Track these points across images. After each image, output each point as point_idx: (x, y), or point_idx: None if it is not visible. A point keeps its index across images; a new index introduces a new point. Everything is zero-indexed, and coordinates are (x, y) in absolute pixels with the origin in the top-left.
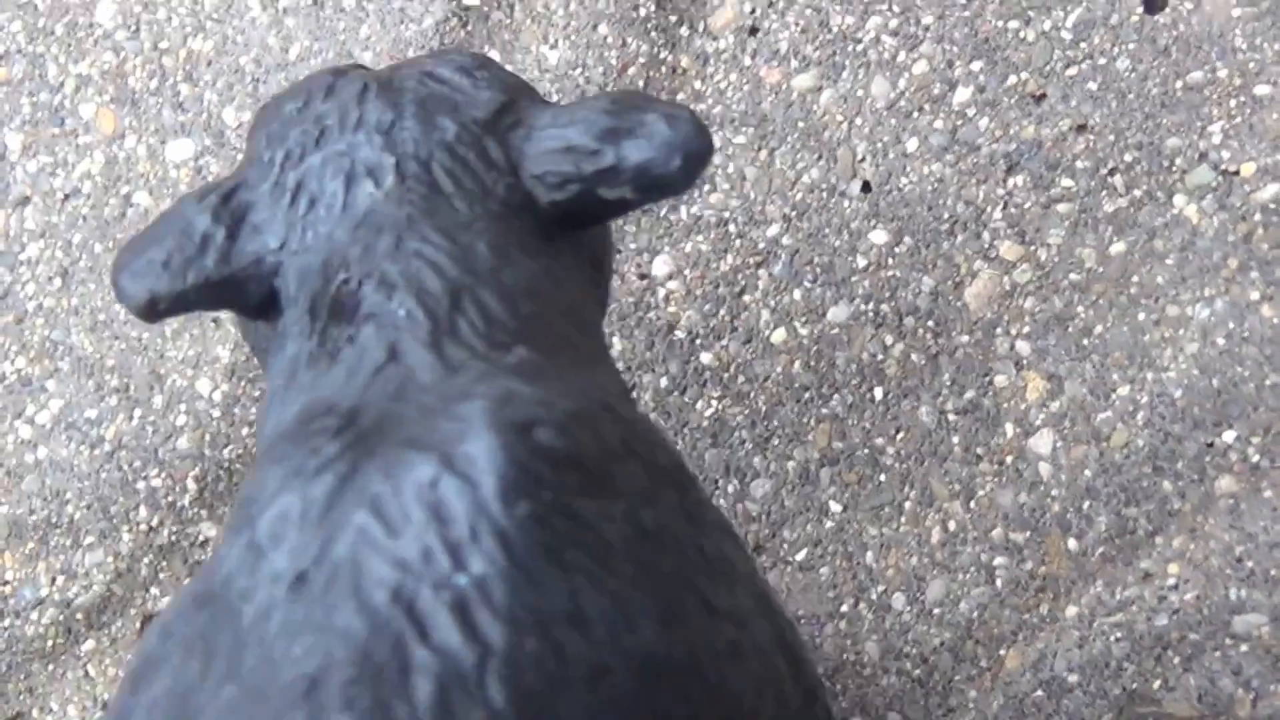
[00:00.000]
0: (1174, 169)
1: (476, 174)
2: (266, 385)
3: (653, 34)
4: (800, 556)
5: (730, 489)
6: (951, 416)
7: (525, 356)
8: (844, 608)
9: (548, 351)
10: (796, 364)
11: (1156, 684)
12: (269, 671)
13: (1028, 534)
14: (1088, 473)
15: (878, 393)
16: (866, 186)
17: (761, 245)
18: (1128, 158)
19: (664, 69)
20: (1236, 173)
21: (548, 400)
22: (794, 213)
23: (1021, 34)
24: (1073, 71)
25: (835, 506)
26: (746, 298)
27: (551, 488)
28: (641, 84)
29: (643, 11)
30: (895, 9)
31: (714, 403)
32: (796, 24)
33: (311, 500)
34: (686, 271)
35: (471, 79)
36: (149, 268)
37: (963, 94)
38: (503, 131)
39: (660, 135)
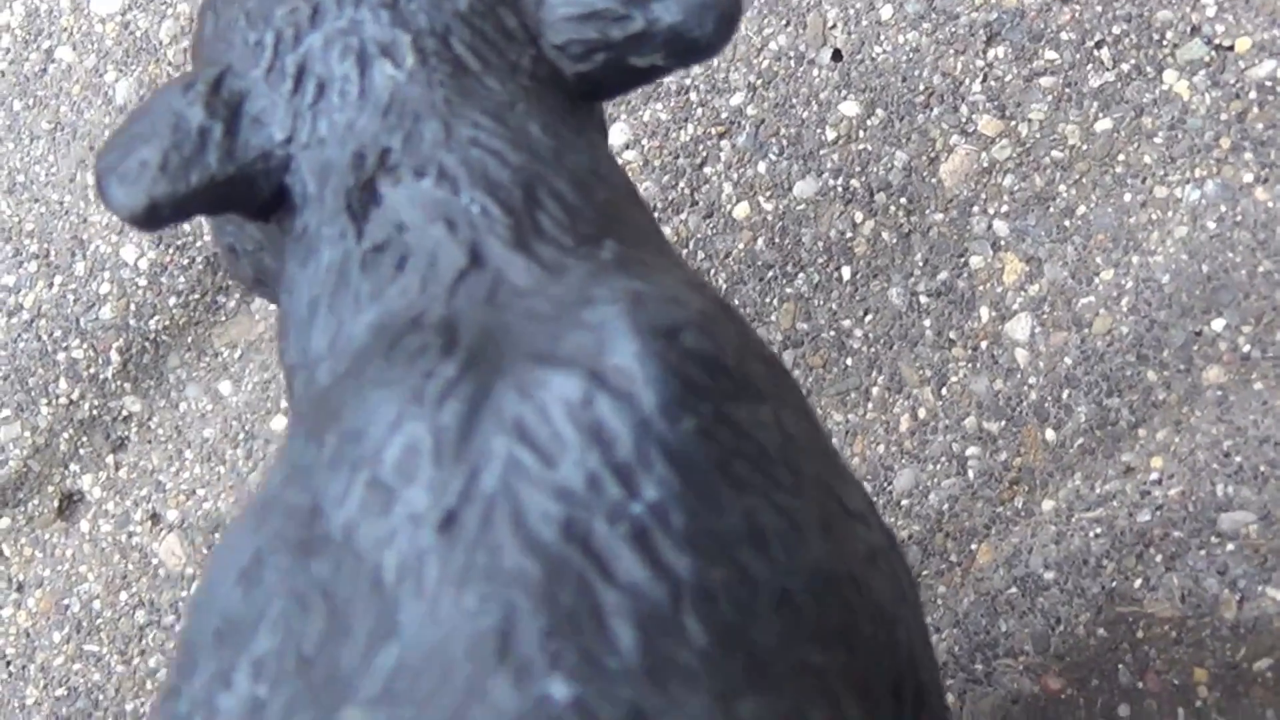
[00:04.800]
0: (1164, 43)
1: (499, 48)
2: (288, 292)
3: None
4: None
5: None
6: (923, 299)
7: (619, 250)
8: None
9: (633, 241)
10: (760, 240)
11: (1137, 583)
12: (439, 629)
13: (1002, 423)
14: (1067, 360)
15: (845, 272)
16: (837, 55)
17: (724, 115)
18: (1115, 30)
19: None
20: (1231, 48)
21: (679, 298)
22: (759, 81)
23: None
24: None
25: None
26: (708, 170)
27: (709, 397)
28: None
29: None
30: None
31: None
32: None
33: (443, 429)
34: (644, 141)
35: None
36: (143, 171)
37: None
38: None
39: None
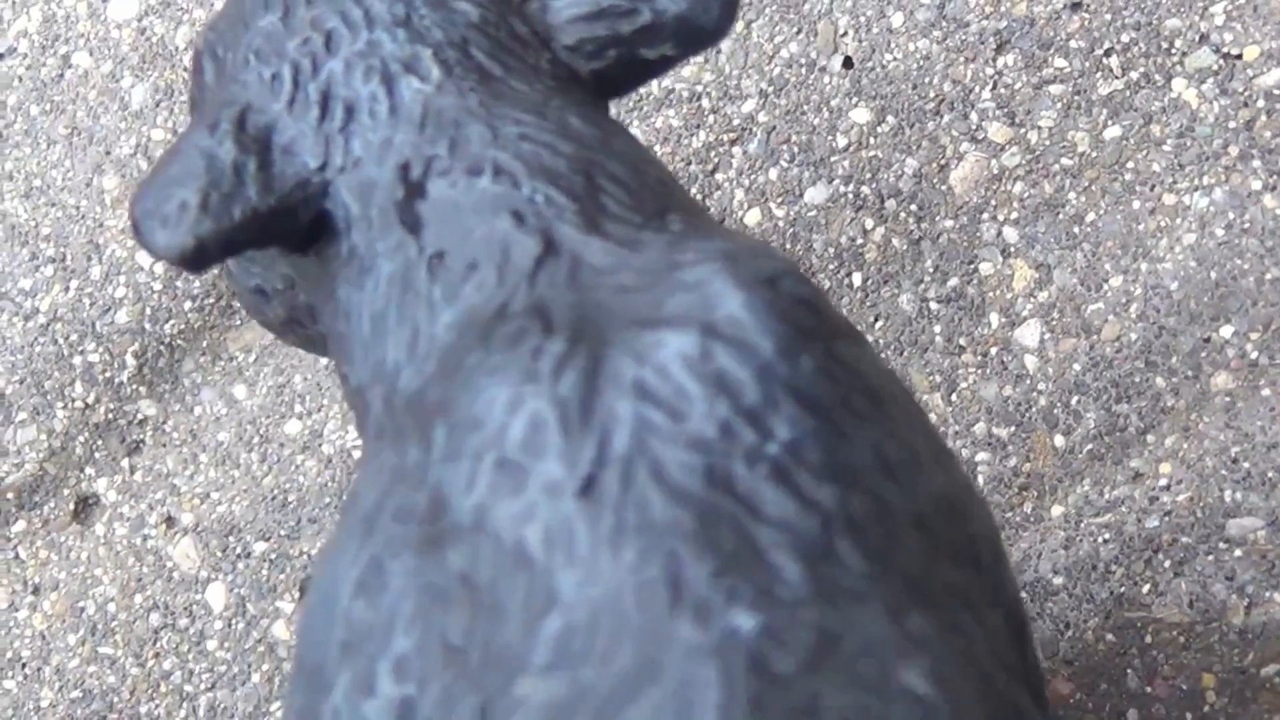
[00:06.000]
0: (1173, 50)
1: (517, 54)
2: (344, 316)
3: None
4: None
5: None
6: (934, 305)
7: (686, 220)
8: None
9: (692, 214)
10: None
11: (1146, 588)
12: (603, 588)
13: (1012, 429)
14: (1077, 366)
15: (856, 278)
16: (848, 62)
17: (736, 122)
18: (1124, 38)
19: None
20: (1239, 56)
21: (767, 252)
22: (771, 88)
23: None
24: None
25: None
26: (719, 176)
27: (819, 337)
28: None
29: None
30: None
31: None
32: None
33: (564, 401)
34: (656, 147)
35: None
36: (183, 212)
37: None
38: (518, 6)
39: None
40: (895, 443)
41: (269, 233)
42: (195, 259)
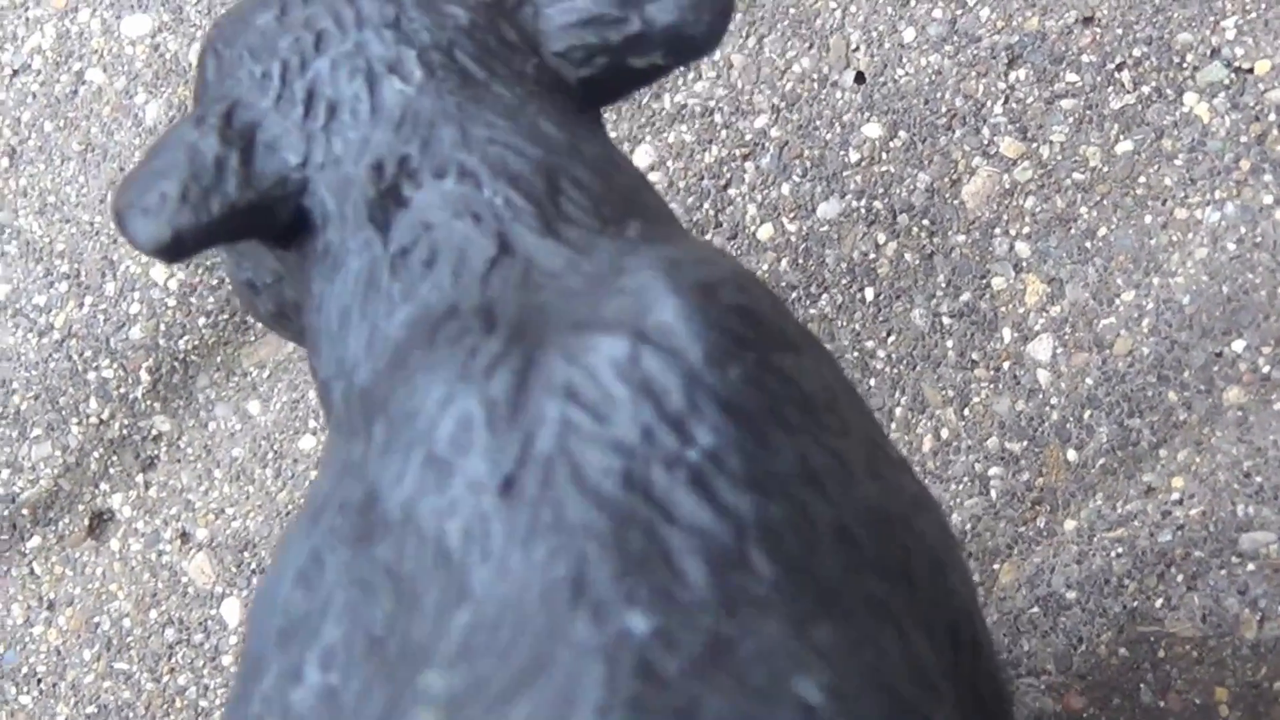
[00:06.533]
0: (1184, 65)
1: (503, 58)
2: (316, 310)
3: None
4: None
5: None
6: (946, 319)
7: (644, 228)
8: None
9: (656, 222)
10: (784, 262)
11: (1159, 602)
12: (512, 585)
13: (1025, 444)
14: (1089, 381)
15: (869, 293)
16: (860, 77)
17: (749, 137)
18: (1136, 52)
19: None
20: (1250, 70)
21: (712, 260)
22: (783, 103)
23: None
24: None
25: None
26: (732, 191)
27: (753, 347)
28: None
29: None
30: None
31: None
32: None
33: (493, 400)
34: (669, 163)
35: None
36: (163, 203)
37: None
38: (510, 12)
39: None
40: (824, 453)
41: (248, 227)
42: (172, 249)
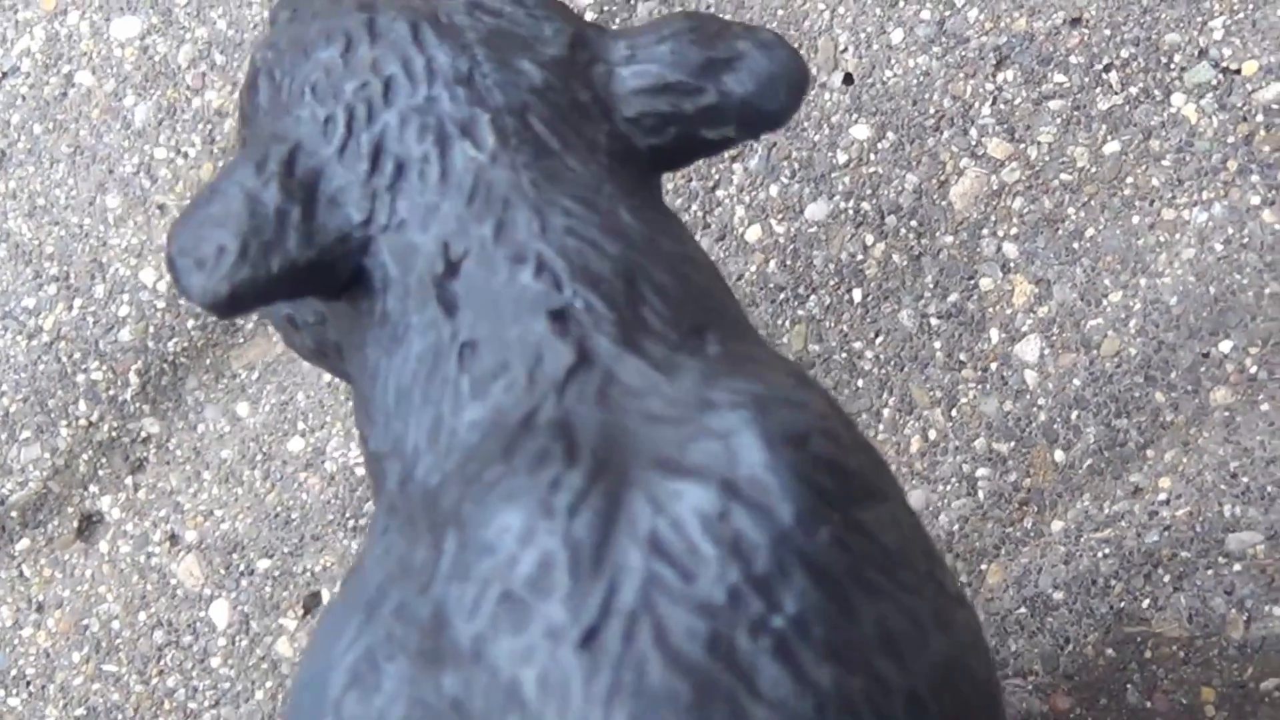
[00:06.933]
0: (1172, 66)
1: (576, 125)
2: (370, 378)
3: None
4: None
5: None
6: (934, 320)
7: (725, 345)
8: None
9: (731, 331)
10: (772, 263)
11: (1146, 603)
12: None
13: (1012, 444)
14: (1076, 381)
15: (857, 294)
16: (848, 79)
17: None
18: (1124, 53)
19: None
20: (1238, 71)
21: (799, 401)
22: None
23: None
24: None
25: None
26: (720, 192)
27: (840, 504)
28: None
29: None
30: None
31: None
32: None
33: (577, 542)
34: None
35: (523, 7)
36: (221, 257)
37: None
38: (582, 70)
39: (760, 66)
40: (902, 615)
41: (306, 284)
42: (229, 306)
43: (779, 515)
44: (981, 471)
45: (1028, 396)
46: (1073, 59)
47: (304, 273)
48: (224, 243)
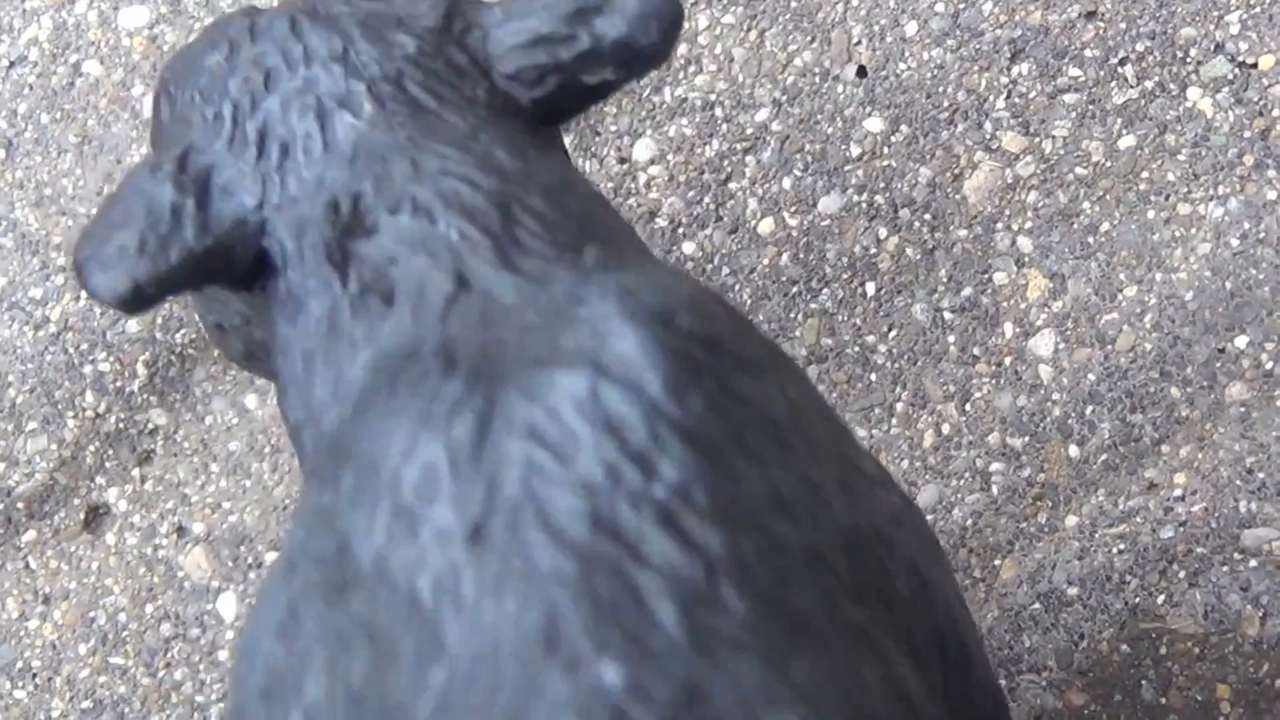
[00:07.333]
0: (1188, 60)
1: (453, 85)
2: (282, 353)
3: None
4: None
5: None
6: (947, 315)
7: (600, 253)
8: None
9: (612, 245)
10: (784, 256)
11: (1160, 599)
12: (485, 638)
13: (1026, 439)
14: (1091, 377)
15: (870, 288)
16: (862, 71)
17: (750, 130)
18: (1139, 47)
19: None
20: (1254, 65)
21: (667, 285)
22: (784, 97)
23: None
24: None
25: None
26: (733, 185)
27: (713, 373)
28: None
29: None
30: None
31: None
32: None
33: (457, 445)
34: (670, 156)
35: None
36: (121, 255)
37: None
38: (458, 37)
39: (630, 6)
40: (793, 478)
41: (208, 272)
42: (133, 300)
43: (648, 388)
44: (995, 466)
45: (1042, 391)
46: (1088, 52)
47: (204, 260)
48: (123, 241)
